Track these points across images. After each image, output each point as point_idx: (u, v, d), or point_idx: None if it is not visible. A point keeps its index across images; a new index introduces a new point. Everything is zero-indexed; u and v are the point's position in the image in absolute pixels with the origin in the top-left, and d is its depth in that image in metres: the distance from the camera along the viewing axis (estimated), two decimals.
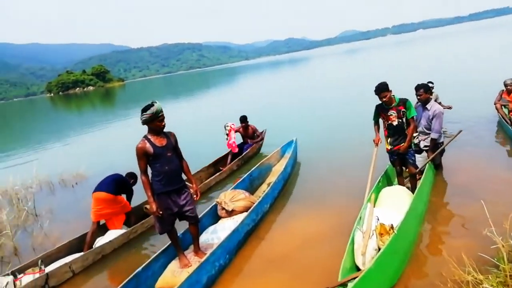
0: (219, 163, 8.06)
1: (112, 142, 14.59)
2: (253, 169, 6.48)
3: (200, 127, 14.44)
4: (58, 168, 9.93)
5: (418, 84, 5.42)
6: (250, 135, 8.50)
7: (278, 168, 6.84)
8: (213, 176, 7.12)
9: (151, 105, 3.56)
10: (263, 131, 9.01)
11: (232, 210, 5.00)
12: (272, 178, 6.61)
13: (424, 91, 5.31)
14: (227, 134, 8.11)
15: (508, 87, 7.37)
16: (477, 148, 6.56)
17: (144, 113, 3.56)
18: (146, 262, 3.81)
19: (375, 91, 4.57)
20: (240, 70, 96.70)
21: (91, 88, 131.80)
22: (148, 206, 5.64)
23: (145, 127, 3.70)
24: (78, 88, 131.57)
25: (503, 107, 7.43)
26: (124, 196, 5.55)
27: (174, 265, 3.91)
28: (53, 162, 12.32)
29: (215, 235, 4.47)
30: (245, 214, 4.81)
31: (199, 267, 3.59)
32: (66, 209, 7.35)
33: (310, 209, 5.28)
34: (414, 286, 3.26)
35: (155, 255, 3.97)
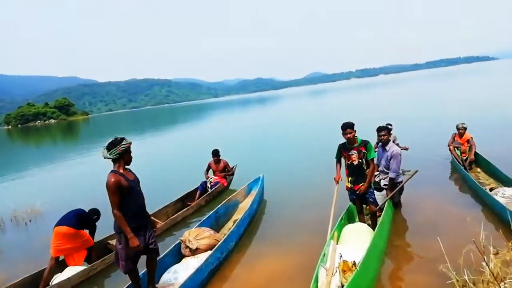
0: (187, 198, 7.96)
1: (72, 178, 13.98)
2: (219, 206, 6.43)
3: (167, 163, 14.27)
4: (9, 203, 9.34)
5: (379, 126, 5.73)
6: (221, 169, 8.50)
7: (245, 205, 6.83)
8: (180, 212, 7.02)
9: (121, 138, 3.55)
10: (233, 166, 9.08)
11: (196, 249, 4.89)
12: (238, 215, 6.56)
13: (387, 132, 5.60)
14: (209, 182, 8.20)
15: (460, 130, 7.94)
16: (433, 187, 6.92)
17: (123, 144, 3.54)
18: None
19: (342, 127, 4.80)
20: (210, 106, 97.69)
21: (52, 121, 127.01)
22: (112, 242, 5.42)
23: (106, 164, 3.64)
24: (38, 121, 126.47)
25: (456, 149, 7.95)
26: (86, 232, 5.37)
27: None
28: (5, 197, 11.60)
29: (178, 275, 4.33)
30: (209, 252, 4.72)
31: None
32: (16, 249, 6.84)
33: (275, 247, 5.27)
34: None
35: None
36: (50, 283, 4.72)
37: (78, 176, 14.19)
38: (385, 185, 5.81)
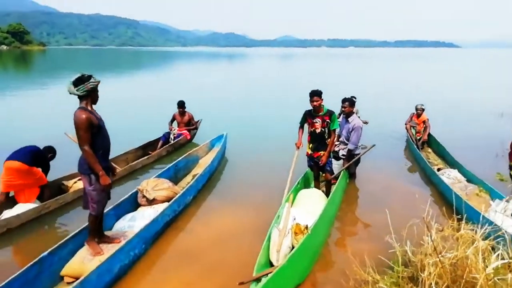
0: (149, 147, 7.88)
1: (25, 112, 13.11)
2: (179, 159, 6.38)
3: (129, 109, 13.77)
4: None
5: (344, 98, 5.82)
6: (185, 122, 8.43)
7: (205, 161, 6.83)
8: (140, 159, 6.96)
9: (88, 75, 3.36)
10: (198, 121, 9.03)
11: (154, 199, 4.87)
12: (198, 170, 6.58)
13: (349, 104, 5.71)
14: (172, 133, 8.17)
15: (418, 111, 8.30)
16: (387, 161, 7.30)
17: (92, 81, 3.37)
18: (54, 247, 3.52)
19: (309, 94, 4.84)
20: (177, 55, 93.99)
21: (4, 47, 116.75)
22: (66, 183, 5.24)
23: (65, 99, 3.45)
24: None
25: (412, 128, 8.33)
26: (40, 170, 5.19)
27: (84, 252, 3.65)
28: None
29: (132, 223, 4.31)
30: (166, 204, 4.72)
31: (113, 256, 3.43)
32: None
33: (232, 204, 5.37)
34: (320, 283, 3.52)
35: (64, 239, 3.68)
36: None
37: (31, 110, 13.35)
38: (343, 155, 6.01)
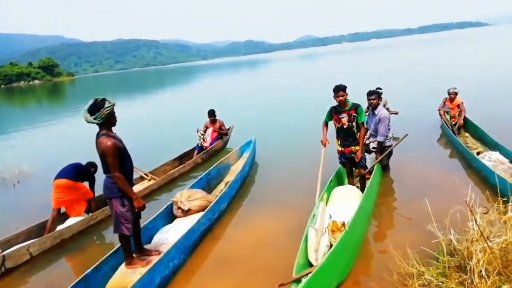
0: (185, 157, 8.16)
1: (60, 139, 13.80)
2: (211, 168, 6.45)
3: (162, 124, 14.24)
4: None
5: (370, 90, 5.70)
6: (217, 129, 8.60)
7: (236, 168, 6.86)
8: (177, 168, 7.24)
9: (102, 99, 3.41)
10: (230, 127, 9.24)
11: (188, 210, 4.94)
12: (230, 177, 6.61)
13: (377, 96, 5.59)
14: (201, 137, 8.33)
15: (451, 95, 7.96)
16: (422, 150, 7.03)
17: (107, 106, 3.37)
18: (96, 263, 3.65)
19: (333, 89, 4.76)
20: (199, 69, 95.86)
21: (37, 82, 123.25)
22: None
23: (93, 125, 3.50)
24: (22, 82, 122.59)
25: (446, 113, 8.01)
26: (86, 184, 5.62)
27: (125, 266, 3.78)
28: None
29: (169, 235, 4.39)
30: (201, 213, 4.78)
31: (152, 268, 3.51)
32: (6, 209, 6.82)
33: (266, 208, 5.35)
34: (362, 279, 3.42)
35: (105, 256, 3.81)
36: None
37: (66, 137, 14.01)
38: (374, 148, 5.86)
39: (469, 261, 2.55)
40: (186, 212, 4.93)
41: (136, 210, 3.61)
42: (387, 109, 8.48)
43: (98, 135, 3.46)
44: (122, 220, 3.56)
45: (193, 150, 8.33)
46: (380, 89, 8.40)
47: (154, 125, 14.06)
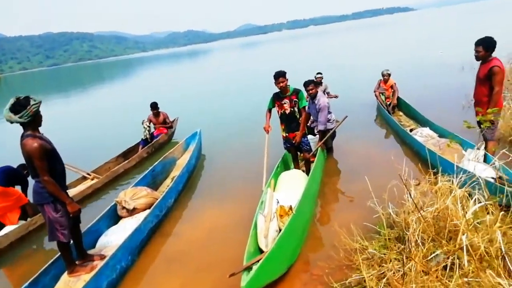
0: (130, 153, 7.88)
1: None
2: (155, 163, 6.23)
3: (102, 121, 13.56)
4: None
5: (306, 81, 5.70)
6: (161, 122, 8.40)
7: (183, 161, 6.72)
8: (121, 164, 6.96)
9: (25, 97, 3.11)
10: (174, 119, 9.08)
11: (134, 209, 4.74)
12: (176, 172, 6.45)
13: (314, 86, 5.66)
14: (146, 129, 8.08)
15: (385, 77, 8.40)
16: (362, 131, 7.40)
17: (34, 103, 3.09)
18: (35, 276, 3.37)
19: (274, 76, 4.77)
20: (138, 61, 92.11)
21: None
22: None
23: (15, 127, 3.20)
24: None
25: (381, 94, 8.44)
26: (18, 188, 5.15)
27: (68, 275, 3.54)
28: None
29: (114, 237, 4.18)
30: (148, 211, 4.61)
31: (97, 273, 3.32)
32: None
33: (215, 200, 5.30)
34: (311, 260, 3.52)
35: (45, 266, 3.53)
36: None
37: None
38: (318, 131, 6.03)
39: (406, 231, 2.71)
40: (132, 212, 4.73)
41: (71, 215, 3.37)
42: (328, 93, 8.78)
43: (22, 137, 3.15)
44: (57, 227, 3.31)
45: (138, 145, 8.07)
46: (320, 73, 8.67)
47: (95, 123, 13.34)
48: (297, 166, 5.33)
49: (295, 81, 5.38)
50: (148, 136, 8.08)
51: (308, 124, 6.51)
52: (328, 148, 6.21)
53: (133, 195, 4.86)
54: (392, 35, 40.21)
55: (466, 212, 2.35)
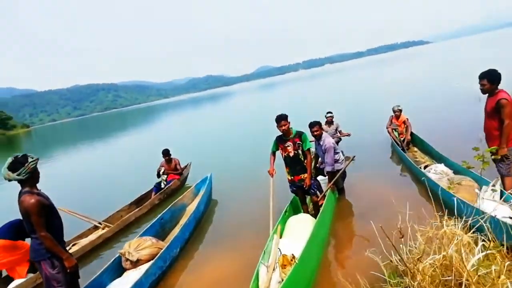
0: (143, 200, 7.87)
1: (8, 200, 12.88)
2: (164, 211, 6.17)
3: (119, 168, 13.80)
4: None
5: (311, 122, 5.58)
6: (173, 168, 8.44)
7: (192, 208, 6.61)
8: (133, 212, 6.91)
9: (23, 155, 3.19)
10: (187, 165, 9.13)
11: (138, 260, 4.63)
12: (185, 219, 6.34)
13: (319, 127, 5.55)
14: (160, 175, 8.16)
15: (396, 112, 8.27)
16: (375, 169, 7.14)
17: (31, 161, 3.17)
18: None
19: (276, 119, 4.75)
20: (159, 108, 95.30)
21: None
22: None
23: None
24: None
25: (393, 130, 8.27)
26: (27, 242, 5.05)
27: None
28: None
29: None
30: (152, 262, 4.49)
31: None
32: None
33: (223, 249, 5.12)
34: None
35: None
36: None
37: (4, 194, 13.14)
38: (328, 172, 5.87)
39: (412, 281, 2.49)
40: (136, 263, 4.62)
41: (68, 270, 3.30)
42: (340, 131, 8.69)
43: (20, 194, 3.20)
44: (53, 284, 3.25)
45: (151, 191, 8.07)
46: (331, 112, 8.64)
47: (117, 170, 13.64)
48: (306, 210, 5.15)
49: (307, 121, 5.46)
50: (164, 183, 8.11)
51: (318, 165, 6.39)
52: (339, 189, 6.01)
53: (138, 246, 4.76)
54: (407, 69, 40.24)
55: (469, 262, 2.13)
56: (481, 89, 4.13)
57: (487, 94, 4.18)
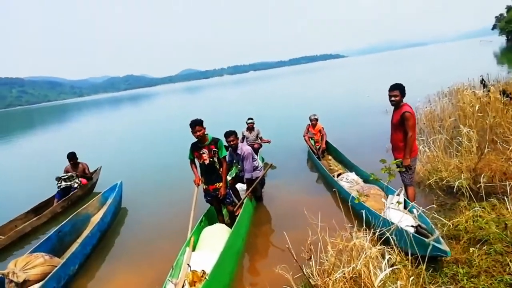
0: (43, 208, 6.98)
1: None
2: (63, 223, 5.46)
3: (16, 173, 12.10)
4: None
5: (226, 132, 5.35)
6: (80, 174, 7.68)
7: (97, 218, 5.99)
8: (29, 221, 6.09)
9: None
10: (96, 169, 8.49)
11: (25, 281, 3.98)
12: (88, 231, 5.70)
13: (235, 137, 5.37)
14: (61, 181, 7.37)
15: (313, 121, 8.52)
16: (292, 177, 7.24)
17: None
18: None
19: (190, 124, 4.47)
20: (73, 107, 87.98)
21: None
22: None
23: None
24: None
25: (310, 138, 8.51)
26: None
27: None
28: None
29: None
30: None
31: None
32: None
33: (129, 265, 4.67)
34: None
35: None
36: None
37: None
38: (247, 179, 5.75)
39: None
40: (22, 286, 3.96)
41: None
42: (260, 138, 8.71)
43: None
44: None
45: (53, 198, 7.21)
46: (252, 119, 8.62)
47: (14, 175, 11.98)
48: (222, 220, 4.94)
49: (227, 127, 5.32)
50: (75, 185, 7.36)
51: (238, 172, 6.24)
52: (257, 197, 5.93)
53: (26, 264, 4.10)
54: (324, 80, 42.78)
55: (377, 276, 2.14)
56: (391, 100, 4.29)
57: (393, 107, 4.41)
